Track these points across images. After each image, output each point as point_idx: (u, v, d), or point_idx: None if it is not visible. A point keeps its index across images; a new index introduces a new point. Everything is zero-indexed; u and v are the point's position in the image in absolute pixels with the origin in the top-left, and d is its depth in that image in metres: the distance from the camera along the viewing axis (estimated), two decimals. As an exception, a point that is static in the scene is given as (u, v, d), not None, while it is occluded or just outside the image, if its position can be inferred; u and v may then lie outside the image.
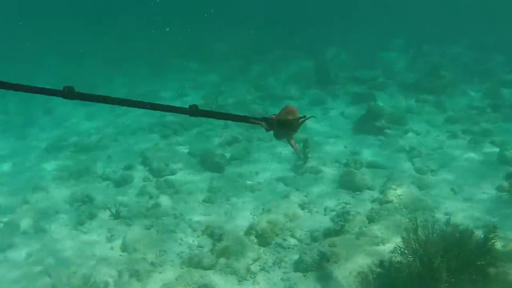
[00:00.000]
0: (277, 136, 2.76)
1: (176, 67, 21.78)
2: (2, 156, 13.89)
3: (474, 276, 5.62)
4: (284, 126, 2.67)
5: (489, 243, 5.91)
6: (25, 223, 9.45)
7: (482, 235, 6.08)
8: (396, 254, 6.36)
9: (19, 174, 12.30)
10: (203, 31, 23.99)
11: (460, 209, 8.63)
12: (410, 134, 12.51)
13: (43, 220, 9.53)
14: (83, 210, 9.55)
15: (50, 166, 12.38)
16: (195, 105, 2.53)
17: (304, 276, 7.01)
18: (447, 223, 7.72)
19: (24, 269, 7.94)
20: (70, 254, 8.22)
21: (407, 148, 11.41)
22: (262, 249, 7.83)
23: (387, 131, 12.53)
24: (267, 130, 2.74)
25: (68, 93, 2.27)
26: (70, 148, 13.64)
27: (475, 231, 6.24)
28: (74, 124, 16.22)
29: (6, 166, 13.02)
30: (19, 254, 8.44)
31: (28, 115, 17.76)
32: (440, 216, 8.40)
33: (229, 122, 13.86)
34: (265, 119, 2.73)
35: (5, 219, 9.64)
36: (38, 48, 25.09)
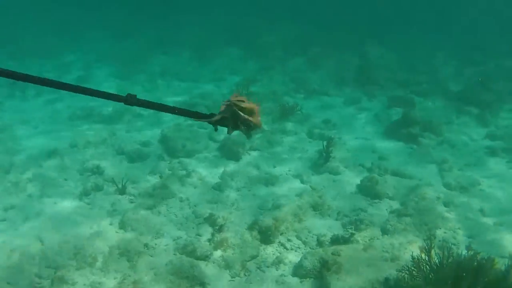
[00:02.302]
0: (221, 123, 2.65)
1: (218, 52, 21.65)
2: (30, 117, 14.01)
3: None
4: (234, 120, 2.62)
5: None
6: (31, 186, 9.37)
7: (504, 267, 5.40)
8: (404, 274, 5.77)
9: (39, 138, 12.29)
10: (256, 22, 24.05)
11: (485, 233, 7.82)
12: (445, 146, 11.62)
13: (50, 186, 9.39)
14: (91, 181, 9.33)
15: (69, 133, 12.29)
16: (133, 95, 2.48)
17: (301, 282, 6.49)
18: (468, 247, 6.98)
19: (19, 231, 7.80)
20: (68, 223, 8.01)
21: (439, 160, 10.58)
22: (263, 246, 7.35)
23: (421, 139, 11.70)
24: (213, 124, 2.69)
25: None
26: (93, 118, 13.57)
27: (498, 261, 5.54)
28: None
29: (27, 129, 13.10)
30: (19, 215, 8.31)
31: (61, 79, 17.88)
32: (462, 238, 7.65)
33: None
34: (217, 121, 2.63)
35: (14, 180, 9.56)
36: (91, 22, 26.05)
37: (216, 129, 2.74)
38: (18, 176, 9.77)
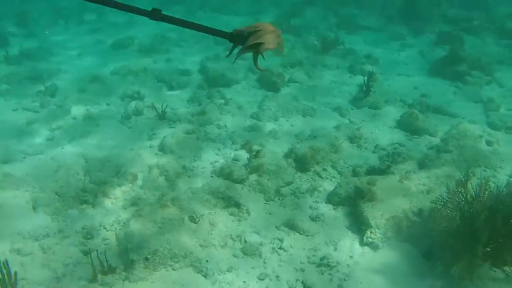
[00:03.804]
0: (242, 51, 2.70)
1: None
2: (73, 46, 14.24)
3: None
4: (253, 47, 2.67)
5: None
6: (76, 109, 9.67)
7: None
8: (438, 205, 5.73)
9: (82, 64, 12.54)
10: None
11: (529, 173, 7.60)
12: (493, 85, 11.11)
13: (93, 109, 9.68)
14: (132, 105, 9.53)
15: (110, 61, 12.46)
16: (158, 9, 2.50)
17: (334, 209, 6.58)
18: (508, 185, 6.80)
19: (66, 151, 8.16)
20: (110, 144, 8.31)
21: (485, 99, 10.16)
22: (298, 174, 7.41)
23: (468, 78, 11.20)
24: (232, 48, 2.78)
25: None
26: (134, 47, 13.67)
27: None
28: (144, 27, 16.15)
29: (70, 55, 13.36)
30: (65, 136, 8.66)
31: (102, 12, 18.02)
32: (502, 177, 7.46)
33: (297, 45, 13.16)
34: (234, 36, 2.66)
35: (59, 103, 9.90)
36: None
37: (231, 50, 2.81)
38: (62, 100, 10.10)
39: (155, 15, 2.47)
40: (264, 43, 2.60)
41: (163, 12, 2.55)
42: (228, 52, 2.88)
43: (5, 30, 15.58)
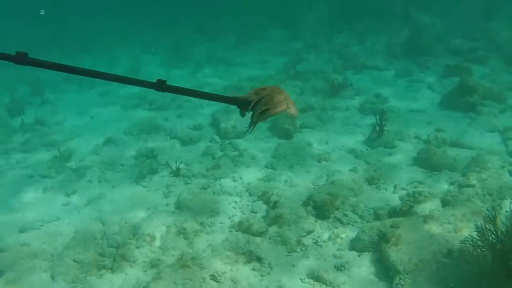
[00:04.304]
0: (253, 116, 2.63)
1: (262, 34, 21.55)
2: (85, 109, 14.52)
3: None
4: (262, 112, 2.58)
5: None
6: (91, 172, 9.71)
7: None
8: (468, 246, 5.48)
9: (96, 127, 12.73)
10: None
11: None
12: (507, 113, 10.95)
13: (108, 170, 9.71)
14: (146, 165, 9.54)
15: (123, 121, 12.64)
16: (163, 80, 2.48)
17: (359, 256, 6.34)
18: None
19: (82, 214, 8.12)
20: (127, 205, 8.25)
21: (501, 129, 9.99)
22: (318, 222, 7.23)
23: (480, 108, 11.08)
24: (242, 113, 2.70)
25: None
26: (145, 106, 13.90)
27: None
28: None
29: (86, 118, 13.62)
30: (81, 199, 8.65)
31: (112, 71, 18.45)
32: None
33: (306, 89, 13.26)
34: (240, 101, 2.61)
35: (74, 166, 9.98)
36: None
37: (242, 115, 2.71)
38: (77, 163, 10.19)
39: (160, 86, 2.47)
40: (270, 108, 2.56)
41: (168, 83, 2.54)
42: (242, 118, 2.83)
43: (23, 100, 16.00)
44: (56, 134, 12.27)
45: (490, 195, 7.43)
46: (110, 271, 6.57)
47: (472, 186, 7.60)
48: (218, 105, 12.88)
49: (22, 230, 7.73)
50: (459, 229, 6.30)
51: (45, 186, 9.32)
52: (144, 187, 8.93)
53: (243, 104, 2.64)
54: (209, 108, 12.85)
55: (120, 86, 17.22)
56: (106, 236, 7.25)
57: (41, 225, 7.90)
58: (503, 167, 8.34)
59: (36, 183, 9.51)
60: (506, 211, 7.07)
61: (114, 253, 6.79)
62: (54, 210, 8.38)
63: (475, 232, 5.46)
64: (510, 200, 7.34)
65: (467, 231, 6.01)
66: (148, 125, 11.92)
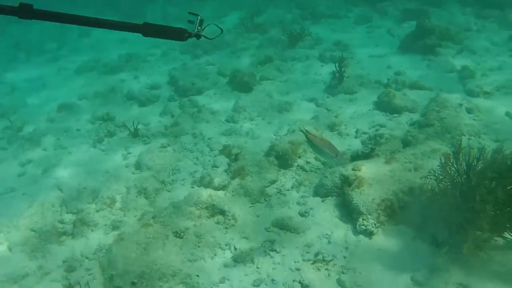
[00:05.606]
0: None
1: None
2: (36, 77, 13.82)
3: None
4: None
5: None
6: (46, 139, 9.30)
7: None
8: (430, 181, 5.50)
9: (48, 93, 12.16)
10: None
11: (515, 135, 7.43)
12: (464, 53, 10.99)
13: (64, 137, 9.32)
14: (103, 128, 9.19)
15: (78, 86, 12.11)
16: (28, 4, 2.15)
17: (323, 201, 6.32)
18: (498, 150, 6.61)
19: (39, 182, 7.80)
20: (84, 170, 7.96)
21: (459, 68, 10.03)
22: (281, 171, 7.15)
23: (438, 49, 11.08)
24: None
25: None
26: (100, 69, 13.32)
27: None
28: (106, 47, 15.83)
29: (37, 86, 12.97)
30: (36, 168, 8.29)
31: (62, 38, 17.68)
32: (489, 143, 7.28)
33: (264, 42, 12.95)
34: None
35: (28, 135, 9.52)
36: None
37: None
38: (31, 132, 9.73)
39: (25, 12, 2.12)
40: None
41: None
42: None
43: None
44: (7, 104, 11.64)
45: (449, 132, 7.49)
46: (70, 237, 6.36)
47: (432, 125, 7.63)
48: (175, 63, 12.51)
49: (-24, 204, 7.37)
50: (420, 167, 6.32)
51: (-3, 158, 8.89)
52: (102, 150, 8.63)
53: (150, 32, 2.50)
54: (166, 66, 12.42)
55: (72, 50, 16.46)
56: (65, 202, 7.00)
57: (-5, 198, 7.55)
58: (460, 105, 8.39)
59: (-13, 156, 9.05)
60: (464, 147, 7.15)
61: (73, 219, 6.56)
62: (9, 182, 8.01)
63: (438, 168, 5.46)
64: (468, 136, 7.44)
65: (427, 168, 6.05)
66: (103, 88, 11.44)
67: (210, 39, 2.87)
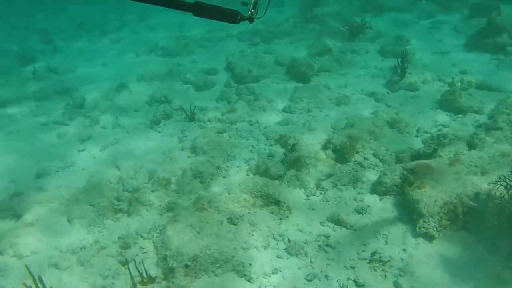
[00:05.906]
0: None
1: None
2: (97, 56, 14.21)
3: None
4: None
5: None
6: (105, 118, 9.54)
7: None
8: (498, 187, 5.22)
9: (108, 74, 12.46)
10: None
11: None
12: (539, 54, 10.35)
13: (122, 116, 9.53)
14: (160, 110, 9.32)
15: (135, 68, 12.33)
16: None
17: (381, 199, 6.14)
18: None
19: (97, 160, 8.01)
20: (142, 150, 8.10)
21: (532, 70, 9.46)
22: (338, 165, 7.00)
23: (510, 48, 10.48)
24: None
25: None
26: (158, 52, 13.53)
27: None
28: (166, 30, 16.04)
29: (98, 66, 13.33)
30: (95, 145, 8.52)
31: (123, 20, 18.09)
32: None
33: (323, 33, 12.70)
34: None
35: (88, 113, 9.81)
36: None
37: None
38: (91, 110, 10.01)
39: None
40: None
41: None
42: None
43: (33, 48, 15.71)
44: (69, 81, 12.04)
45: (520, 137, 7.07)
46: (126, 214, 6.50)
47: (500, 128, 7.23)
48: (232, 49, 12.50)
49: (38, 176, 7.67)
50: (487, 171, 6.02)
51: (59, 132, 9.20)
52: (159, 132, 8.76)
53: (201, 12, 2.42)
54: (223, 52, 12.44)
55: (132, 32, 16.80)
56: (122, 180, 7.16)
57: (57, 171, 7.82)
58: (533, 109, 7.90)
59: (50, 130, 9.39)
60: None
61: (130, 197, 6.70)
62: (69, 156, 8.27)
63: (509, 173, 5.17)
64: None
65: (495, 173, 5.74)
66: (161, 70, 11.60)
67: (259, 18, 2.70)
